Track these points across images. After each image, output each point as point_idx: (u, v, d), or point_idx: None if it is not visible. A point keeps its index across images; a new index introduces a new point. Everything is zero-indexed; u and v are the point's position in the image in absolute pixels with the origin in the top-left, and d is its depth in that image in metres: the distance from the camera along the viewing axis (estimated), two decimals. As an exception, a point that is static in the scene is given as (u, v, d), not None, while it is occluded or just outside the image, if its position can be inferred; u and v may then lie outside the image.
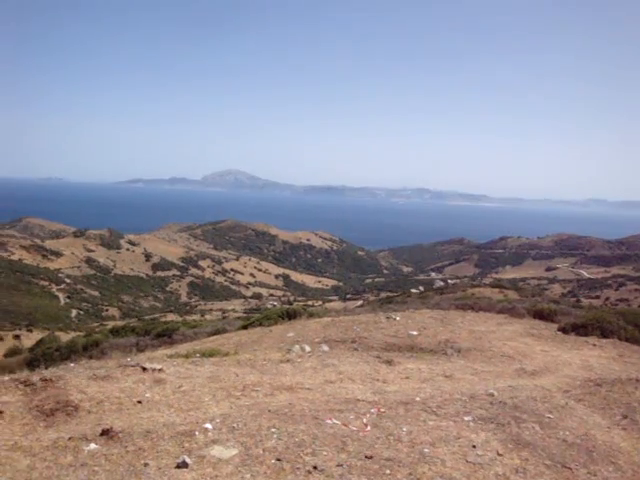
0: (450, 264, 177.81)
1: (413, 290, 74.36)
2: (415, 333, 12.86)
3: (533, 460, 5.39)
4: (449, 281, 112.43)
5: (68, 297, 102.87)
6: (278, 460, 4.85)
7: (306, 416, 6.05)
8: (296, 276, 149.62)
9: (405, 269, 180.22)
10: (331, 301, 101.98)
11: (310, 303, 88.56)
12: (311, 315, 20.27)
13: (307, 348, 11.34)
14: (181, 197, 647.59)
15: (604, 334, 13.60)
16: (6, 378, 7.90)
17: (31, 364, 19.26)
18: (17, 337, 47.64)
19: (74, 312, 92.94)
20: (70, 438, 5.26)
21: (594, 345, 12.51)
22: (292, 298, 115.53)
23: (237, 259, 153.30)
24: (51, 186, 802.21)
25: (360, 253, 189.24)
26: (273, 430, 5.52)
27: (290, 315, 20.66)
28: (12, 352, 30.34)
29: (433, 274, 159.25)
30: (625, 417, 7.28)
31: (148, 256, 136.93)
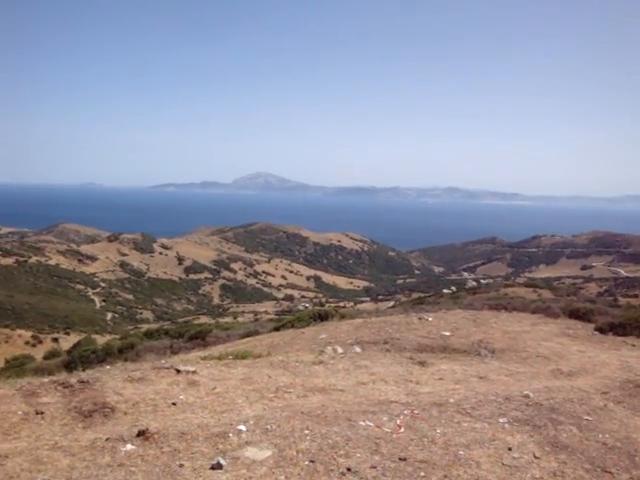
0: (482, 264, 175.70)
1: (445, 290, 73.76)
2: (448, 334, 12.75)
3: (571, 463, 5.28)
4: (482, 281, 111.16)
5: (103, 301, 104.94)
6: (311, 462, 4.85)
7: (339, 418, 6.05)
8: (327, 278, 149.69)
9: (437, 269, 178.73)
10: (363, 302, 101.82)
11: (342, 304, 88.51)
12: (343, 316, 20.28)
13: (339, 350, 11.34)
14: (212, 200, 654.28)
15: (643, 334, 13.28)
16: (46, 380, 8.10)
17: (69, 366, 19.69)
18: (55, 340, 48.87)
19: (109, 315, 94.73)
20: (107, 439, 5.36)
21: (633, 345, 12.22)
22: (324, 300, 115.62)
23: (268, 261, 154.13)
24: (86, 192, 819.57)
25: (391, 254, 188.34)
26: (306, 432, 5.53)
27: (322, 317, 20.70)
28: (51, 354, 31.09)
29: (465, 274, 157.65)
30: (667, 419, 7.08)
31: (180, 259, 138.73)
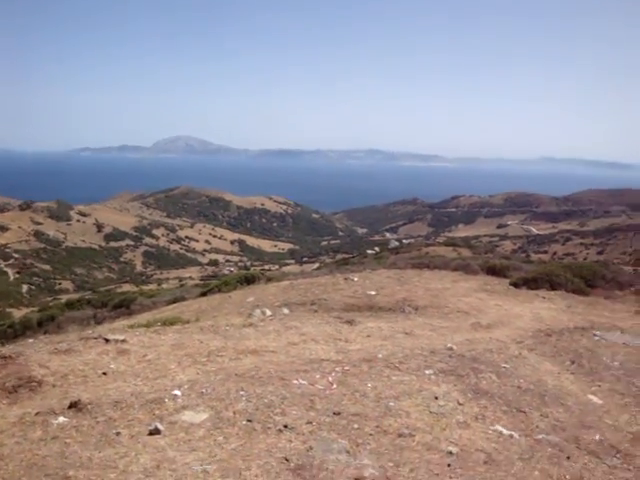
0: (404, 224, 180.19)
1: (369, 251, 75.33)
2: (373, 293, 13.13)
3: (491, 407, 5.70)
4: (404, 241, 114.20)
5: (17, 272, 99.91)
6: (249, 421, 4.97)
7: (273, 378, 6.18)
8: (252, 241, 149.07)
9: (360, 230, 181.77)
10: (288, 265, 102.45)
11: (267, 268, 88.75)
12: (269, 279, 20.39)
13: (268, 312, 11.46)
14: (131, 165, 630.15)
15: (553, 287, 14.23)
16: (-37, 357, 7.74)
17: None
18: (-34, 315, 46.26)
19: (25, 287, 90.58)
20: (37, 413, 5.24)
21: (544, 298, 13.09)
22: (249, 263, 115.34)
23: (191, 226, 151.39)
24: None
25: (315, 216, 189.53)
26: (242, 393, 5.63)
27: (249, 280, 20.73)
28: (-37, 331, 29.51)
29: (388, 234, 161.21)
30: (573, 363, 7.73)
31: (100, 227, 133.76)
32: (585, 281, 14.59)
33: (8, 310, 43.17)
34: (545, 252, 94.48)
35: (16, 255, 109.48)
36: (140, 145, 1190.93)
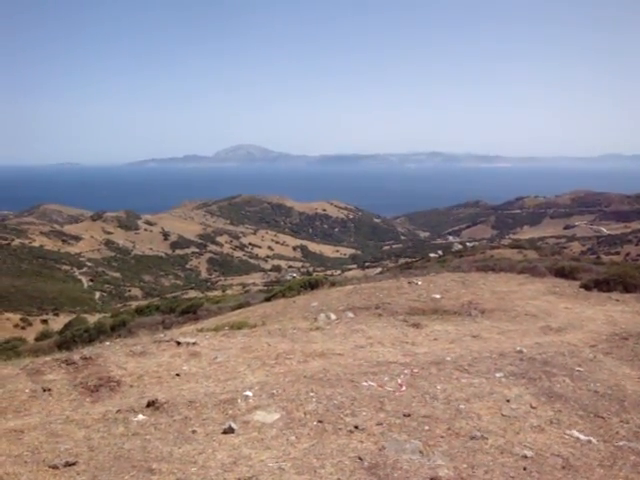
0: (467, 227, 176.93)
1: (432, 255, 74.32)
2: (438, 296, 12.98)
3: (566, 411, 5.53)
4: (467, 244, 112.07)
5: (91, 280, 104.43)
6: (320, 422, 5.04)
7: (342, 380, 6.23)
8: (314, 247, 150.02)
9: (422, 234, 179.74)
10: (350, 270, 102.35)
11: (329, 273, 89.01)
12: (333, 284, 20.42)
13: (332, 316, 11.53)
14: (194, 174, 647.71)
15: (627, 289, 13.62)
16: (48, 358, 8.21)
17: (62, 346, 19.76)
18: (45, 322, 48.77)
19: (97, 294, 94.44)
20: (118, 411, 5.51)
21: (617, 300, 12.56)
22: (311, 269, 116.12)
23: (254, 233, 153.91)
24: (66, 171, 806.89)
25: (376, 220, 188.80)
26: (312, 394, 5.71)
27: (312, 285, 20.83)
28: (43, 335, 31.12)
29: (451, 238, 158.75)
30: (654, 367, 7.38)
31: (166, 235, 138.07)
32: (663, 283, 13.90)
33: (83, 315, 45.10)
34: (617, 253, 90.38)
35: (89, 264, 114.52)
36: (202, 155, 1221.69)
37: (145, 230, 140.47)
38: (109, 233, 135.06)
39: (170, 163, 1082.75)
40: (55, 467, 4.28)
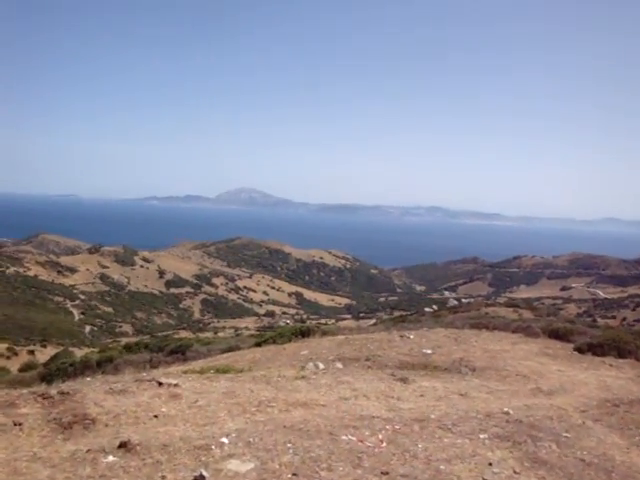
0: (464, 283, 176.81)
1: (427, 309, 74.03)
2: (429, 352, 12.81)
3: (550, 479, 5.36)
4: (463, 300, 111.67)
5: (82, 313, 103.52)
6: (294, 475, 4.87)
7: (321, 432, 6.07)
8: (309, 294, 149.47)
9: (418, 288, 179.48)
10: (344, 319, 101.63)
11: (323, 321, 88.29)
12: (325, 333, 20.22)
13: (321, 365, 11.35)
14: (195, 214, 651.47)
15: (621, 354, 13.47)
16: (24, 391, 8.01)
17: (45, 379, 19.37)
18: (31, 352, 47.91)
19: (88, 328, 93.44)
20: (88, 450, 5.32)
21: (611, 365, 12.40)
22: (305, 316, 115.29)
23: (250, 277, 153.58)
24: (67, 203, 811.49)
25: (373, 271, 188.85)
26: (289, 445, 5.54)
27: (304, 333, 20.63)
28: (27, 367, 30.55)
29: (447, 293, 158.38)
30: (643, 438, 7.20)
31: (162, 273, 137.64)
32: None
33: (71, 349, 44.45)
34: (613, 317, 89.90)
35: (82, 296, 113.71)
36: (204, 196, 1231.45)
37: (141, 267, 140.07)
38: (105, 267, 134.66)
39: (171, 202, 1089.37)
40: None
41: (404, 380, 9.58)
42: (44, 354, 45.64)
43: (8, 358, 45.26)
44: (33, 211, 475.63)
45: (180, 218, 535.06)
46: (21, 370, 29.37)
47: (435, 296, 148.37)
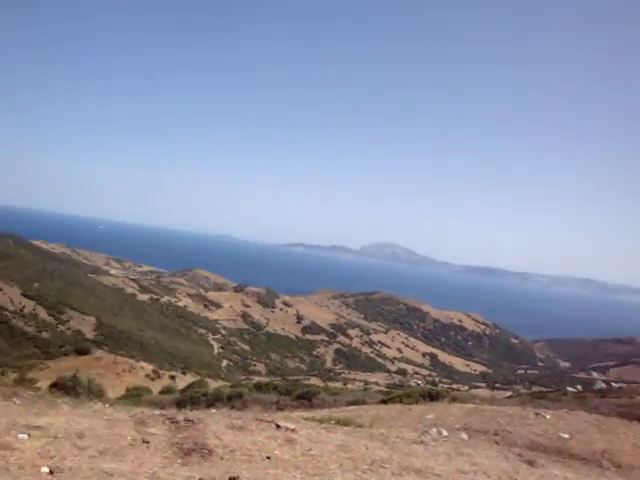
0: (616, 365, 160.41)
1: (569, 388, 68.13)
2: (566, 436, 11.71)
3: None
4: (613, 384, 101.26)
5: (221, 347, 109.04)
6: None
7: (431, 503, 5.74)
8: (444, 357, 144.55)
9: (562, 364, 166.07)
10: (478, 388, 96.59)
11: (455, 387, 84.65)
12: (454, 399, 19.41)
13: (444, 432, 10.85)
14: (338, 265, 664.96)
15: None
16: (156, 412, 8.57)
17: (179, 404, 20.52)
18: (172, 377, 51.23)
19: (225, 362, 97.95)
20: (200, 479, 5.51)
21: None
22: (437, 379, 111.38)
23: (386, 332, 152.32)
24: (221, 242, 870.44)
25: (514, 341, 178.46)
26: (395, 511, 5.31)
27: (432, 396, 19.99)
28: (166, 390, 32.68)
29: (595, 374, 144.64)
30: None
31: (300, 318, 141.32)
32: None
33: (207, 379, 46.82)
34: None
35: (223, 332, 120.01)
36: (348, 247, 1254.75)
37: (281, 309, 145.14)
38: (247, 306, 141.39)
39: (316, 250, 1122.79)
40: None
41: (532, 463, 8.83)
42: (183, 380, 48.58)
43: (152, 379, 48.80)
44: (190, 247, 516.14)
45: (323, 267, 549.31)
46: (161, 392, 31.47)
47: (580, 375, 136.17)
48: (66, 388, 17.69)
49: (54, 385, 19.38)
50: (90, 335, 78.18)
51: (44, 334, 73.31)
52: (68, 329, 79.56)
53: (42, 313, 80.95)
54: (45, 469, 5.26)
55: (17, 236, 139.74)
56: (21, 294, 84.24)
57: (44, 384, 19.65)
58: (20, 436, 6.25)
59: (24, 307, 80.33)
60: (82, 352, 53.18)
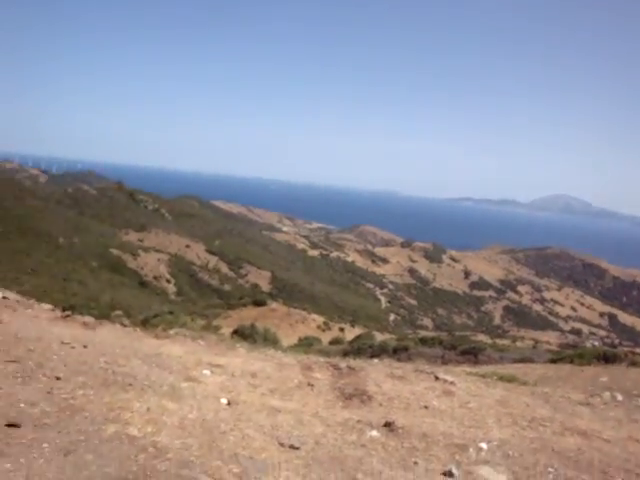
0: None
1: None
2: None
3: None
4: None
5: (389, 302, 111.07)
6: (548, 499, 4.63)
7: (594, 467, 5.57)
8: (625, 318, 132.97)
9: None
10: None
11: (638, 351, 77.83)
12: (634, 363, 18.01)
13: (619, 397, 10.19)
14: (507, 219, 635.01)
15: None
16: (321, 359, 9.20)
17: (346, 354, 21.54)
18: (341, 329, 53.46)
19: (392, 316, 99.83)
20: (359, 421, 5.92)
21: None
22: (617, 341, 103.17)
23: (559, 289, 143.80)
24: (387, 198, 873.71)
25: None
26: (550, 469, 5.25)
27: (607, 358, 18.74)
28: (335, 341, 34.38)
29: None
30: None
31: (467, 274, 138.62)
32: None
33: (374, 332, 48.25)
34: None
35: (390, 286, 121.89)
36: (518, 200, 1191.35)
37: (448, 265, 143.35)
38: (414, 261, 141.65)
39: (485, 204, 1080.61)
40: (282, 444, 4.94)
41: None
42: (351, 332, 50.52)
43: (323, 331, 51.42)
44: (357, 204, 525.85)
45: (492, 221, 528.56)
46: (330, 343, 33.17)
47: None
48: (245, 335, 19.51)
49: (235, 332, 21.47)
50: (266, 288, 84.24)
51: (226, 286, 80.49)
52: (247, 282, 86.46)
53: (224, 268, 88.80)
54: (224, 400, 6.02)
55: (200, 198, 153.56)
56: (205, 250, 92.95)
57: (227, 331, 21.76)
58: (204, 372, 7.15)
59: (208, 262, 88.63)
60: (259, 304, 57.26)
